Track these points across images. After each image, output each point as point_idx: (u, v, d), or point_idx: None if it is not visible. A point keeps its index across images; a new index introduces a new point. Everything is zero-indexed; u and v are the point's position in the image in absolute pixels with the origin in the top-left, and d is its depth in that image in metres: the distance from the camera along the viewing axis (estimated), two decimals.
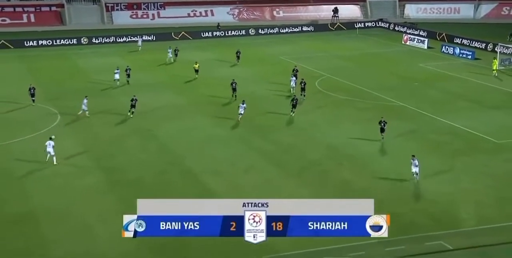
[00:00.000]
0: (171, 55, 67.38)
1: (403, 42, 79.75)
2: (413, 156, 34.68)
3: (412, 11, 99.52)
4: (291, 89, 53.18)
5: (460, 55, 70.48)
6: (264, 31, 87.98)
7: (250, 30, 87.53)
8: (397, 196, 33.02)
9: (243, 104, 45.31)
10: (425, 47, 76.24)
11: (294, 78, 53.46)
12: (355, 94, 53.77)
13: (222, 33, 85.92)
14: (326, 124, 45.41)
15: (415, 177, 34.44)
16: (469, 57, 69.27)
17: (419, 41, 77.90)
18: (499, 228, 29.52)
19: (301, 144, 41.40)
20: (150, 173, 36.56)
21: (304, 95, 51.33)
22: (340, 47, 78.14)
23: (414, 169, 34.23)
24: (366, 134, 43.10)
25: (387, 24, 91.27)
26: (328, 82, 58.54)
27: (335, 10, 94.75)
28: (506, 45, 67.30)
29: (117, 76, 56.10)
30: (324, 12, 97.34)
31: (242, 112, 45.11)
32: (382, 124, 41.26)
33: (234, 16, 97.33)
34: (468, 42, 75.63)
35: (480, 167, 37.14)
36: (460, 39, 76.96)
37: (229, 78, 56.66)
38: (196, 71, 59.05)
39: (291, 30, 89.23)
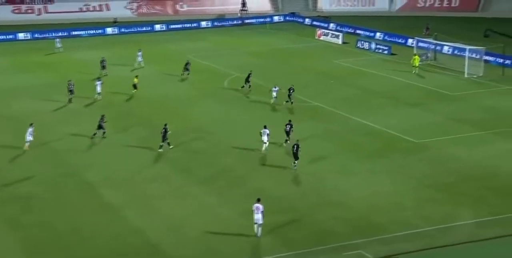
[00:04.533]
0: (141, 59, 64.42)
1: (316, 37, 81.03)
2: (259, 199, 29.94)
3: (325, 4, 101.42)
4: (273, 99, 50.55)
5: (376, 50, 72.29)
6: (167, 26, 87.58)
7: (153, 25, 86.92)
8: (313, 202, 33.39)
9: (265, 129, 39.88)
10: (340, 42, 77.76)
11: (276, 88, 50.60)
12: (268, 94, 54.10)
13: (119, 30, 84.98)
14: (238, 127, 45.43)
15: (257, 232, 29.62)
16: (385, 52, 71.18)
17: (333, 36, 79.39)
18: (419, 233, 30.26)
19: (211, 148, 41.24)
20: (42, 186, 35.52)
21: (292, 102, 49.85)
22: (249, 43, 78.52)
23: (256, 216, 29.51)
24: (281, 136, 43.41)
25: (300, 18, 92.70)
26: (239, 81, 58.59)
27: (244, 3, 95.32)
28: (423, 39, 69.54)
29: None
30: (231, 5, 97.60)
31: (266, 141, 39.66)
32: (288, 127, 40.21)
33: (133, 10, 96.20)
34: (384, 37, 77.89)
35: (399, 168, 38.15)
36: (377, 33, 79.17)
37: (130, 78, 56.07)
38: (134, 86, 53.35)
39: (196, 25, 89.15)
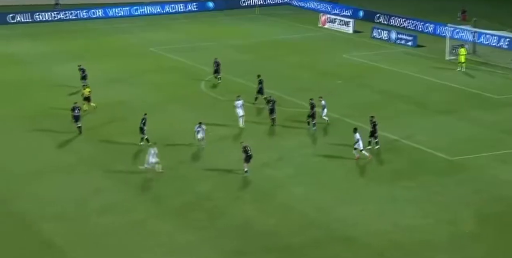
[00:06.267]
0: None
1: (320, 25, 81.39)
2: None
3: None
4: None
5: (398, 41, 72.66)
6: (128, 11, 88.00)
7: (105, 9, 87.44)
8: (314, 238, 33.33)
9: (201, 125, 44.18)
10: (351, 31, 78.19)
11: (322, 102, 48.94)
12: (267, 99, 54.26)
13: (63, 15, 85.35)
14: (219, 143, 45.47)
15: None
16: (410, 43, 71.53)
17: (342, 23, 79.73)
18: None
19: (185, 171, 41.26)
20: None
21: (273, 119, 48.86)
22: (234, 33, 78.85)
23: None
24: (277, 150, 43.83)
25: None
26: (220, 82, 58.80)
27: None
28: (457, 26, 69.89)
29: None
30: None
31: (201, 136, 44.06)
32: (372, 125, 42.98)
33: None
34: (408, 23, 78.32)
35: (429, 194, 38.12)
36: (397, 19, 79.64)
37: (76, 77, 56.37)
38: (87, 99, 51.62)
39: (164, 10, 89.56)
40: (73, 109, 46.54)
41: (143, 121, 44.44)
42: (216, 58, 59.40)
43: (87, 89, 51.77)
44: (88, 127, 47.52)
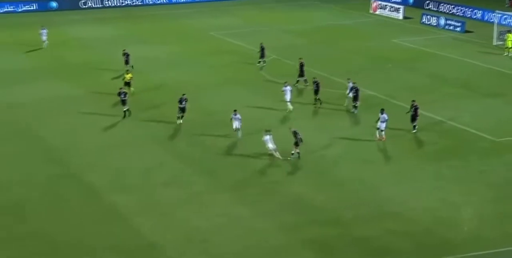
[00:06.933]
0: (45, 38, 66.00)
1: (371, 11, 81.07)
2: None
3: None
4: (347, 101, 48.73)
5: (446, 27, 72.09)
6: None
7: None
8: (366, 214, 33.57)
9: (235, 115, 42.84)
10: (401, 17, 77.71)
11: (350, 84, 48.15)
12: (311, 81, 54.32)
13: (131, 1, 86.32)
14: (276, 122, 45.68)
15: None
16: (458, 29, 70.93)
17: (393, 9, 79.28)
18: (500, 253, 30.14)
19: (241, 148, 41.61)
20: (36, 192, 36.21)
21: (319, 99, 48.74)
22: (289, 18, 78.86)
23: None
24: (326, 131, 43.89)
25: None
26: (276, 66, 58.93)
27: None
28: (505, 12, 69.03)
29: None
30: None
31: (239, 126, 42.63)
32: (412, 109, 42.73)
33: None
34: (456, 10, 77.53)
35: (474, 173, 38.04)
36: (446, 5, 78.85)
37: (139, 59, 56.98)
38: (128, 84, 50.96)
39: None
40: (119, 94, 46.59)
41: (180, 100, 44.76)
42: (261, 43, 59.43)
43: (129, 75, 51.67)
44: (148, 106, 48.14)
